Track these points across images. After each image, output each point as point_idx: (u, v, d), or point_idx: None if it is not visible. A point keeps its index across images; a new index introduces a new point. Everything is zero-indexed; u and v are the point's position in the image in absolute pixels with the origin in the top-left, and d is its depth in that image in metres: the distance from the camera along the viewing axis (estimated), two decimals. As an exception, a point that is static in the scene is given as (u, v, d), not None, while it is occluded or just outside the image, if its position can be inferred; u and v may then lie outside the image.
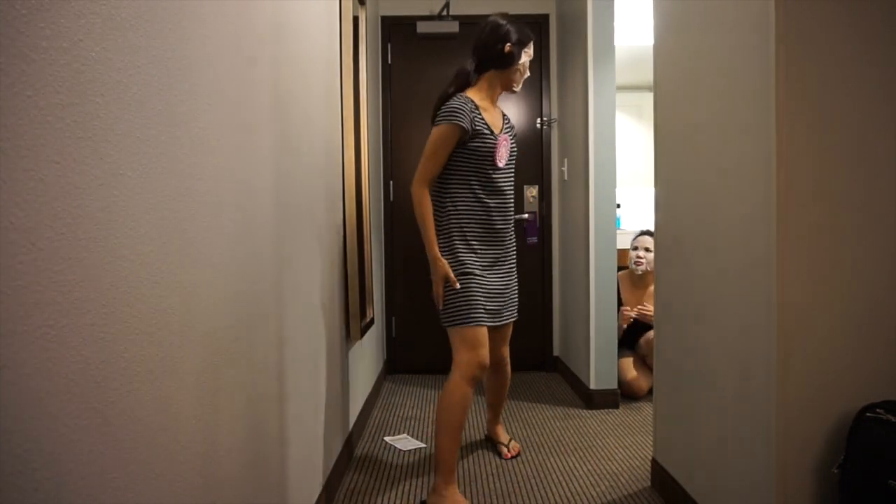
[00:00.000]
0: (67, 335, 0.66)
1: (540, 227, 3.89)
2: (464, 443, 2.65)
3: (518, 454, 2.51)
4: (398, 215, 3.89)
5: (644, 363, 3.38)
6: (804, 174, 1.40)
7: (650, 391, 3.30)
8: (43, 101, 0.63)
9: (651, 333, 3.33)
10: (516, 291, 2.32)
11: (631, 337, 3.41)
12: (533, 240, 3.88)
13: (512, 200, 2.28)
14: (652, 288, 3.51)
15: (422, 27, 3.77)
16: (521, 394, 3.41)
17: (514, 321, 2.36)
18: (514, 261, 2.32)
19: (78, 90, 0.68)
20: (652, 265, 3.48)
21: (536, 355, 3.96)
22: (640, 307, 3.39)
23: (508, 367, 2.50)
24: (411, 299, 3.89)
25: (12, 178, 0.58)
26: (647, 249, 3.47)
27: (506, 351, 2.45)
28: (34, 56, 0.62)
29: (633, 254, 3.48)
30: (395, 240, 3.91)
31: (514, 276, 2.31)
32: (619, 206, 4.93)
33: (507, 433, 2.68)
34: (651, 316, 3.35)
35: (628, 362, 3.29)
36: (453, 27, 3.66)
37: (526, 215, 3.86)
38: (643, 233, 3.56)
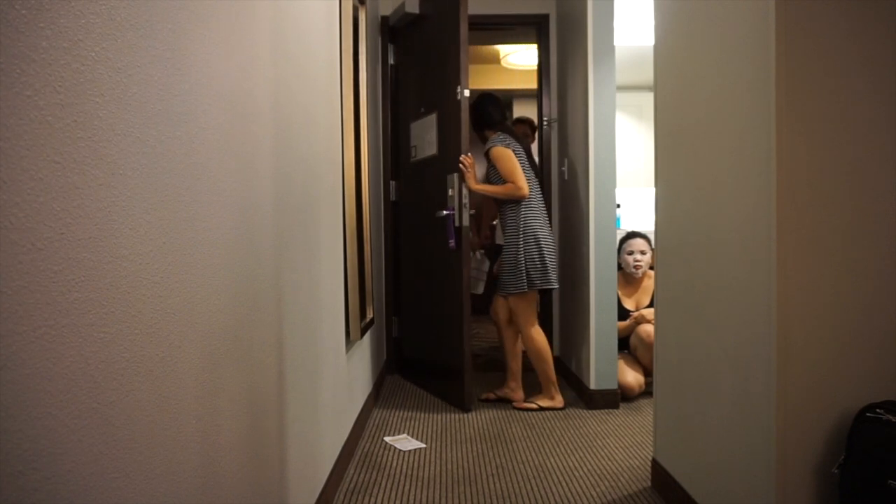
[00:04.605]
0: (67, 335, 0.66)
1: (459, 226, 3.10)
2: (463, 442, 2.65)
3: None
4: (403, 215, 3.85)
5: (637, 362, 3.37)
6: (804, 174, 1.39)
7: (642, 391, 3.30)
8: (43, 101, 0.63)
9: (643, 327, 3.33)
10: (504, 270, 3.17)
11: (621, 338, 3.42)
12: (452, 243, 3.12)
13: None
14: (645, 285, 3.51)
15: (392, 19, 3.69)
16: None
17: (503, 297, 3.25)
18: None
19: (78, 90, 0.68)
20: (648, 265, 3.48)
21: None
22: (639, 313, 3.40)
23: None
24: (414, 299, 3.89)
25: (12, 178, 0.58)
26: (642, 252, 3.47)
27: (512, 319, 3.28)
28: (34, 56, 0.62)
29: (629, 258, 3.47)
30: (399, 240, 3.88)
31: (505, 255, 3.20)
32: (619, 206, 4.94)
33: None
34: (648, 319, 3.36)
35: (620, 364, 3.29)
36: (413, 7, 3.50)
37: (445, 212, 3.15)
38: (630, 235, 3.56)
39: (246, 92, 1.27)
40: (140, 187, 0.82)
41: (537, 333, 3.15)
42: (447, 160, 3.21)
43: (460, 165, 3.06)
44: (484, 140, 3.29)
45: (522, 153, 3.14)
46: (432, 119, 3.40)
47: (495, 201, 3.29)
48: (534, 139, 4.20)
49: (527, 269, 3.06)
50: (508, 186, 3.05)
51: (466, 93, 3.05)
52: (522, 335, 3.19)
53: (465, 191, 3.07)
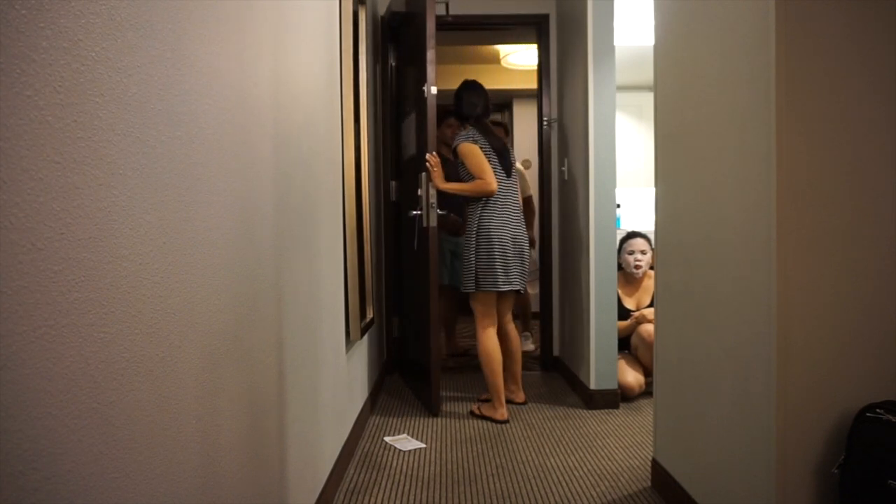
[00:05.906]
0: (67, 335, 0.66)
1: (426, 227, 3.08)
2: (463, 442, 2.65)
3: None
4: (403, 215, 3.82)
5: (637, 362, 3.37)
6: (804, 174, 1.40)
7: (642, 391, 3.30)
8: (43, 101, 0.63)
9: (644, 327, 3.33)
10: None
11: (622, 338, 3.41)
12: None
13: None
14: (645, 284, 3.51)
15: (387, 17, 3.74)
16: (521, 394, 3.41)
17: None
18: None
19: (78, 90, 0.68)
20: (649, 265, 3.48)
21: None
22: (640, 313, 3.39)
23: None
24: (412, 300, 3.88)
25: (12, 178, 0.58)
26: (642, 252, 3.47)
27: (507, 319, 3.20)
28: (34, 56, 0.62)
29: (629, 258, 3.47)
30: (400, 240, 3.87)
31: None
32: (619, 206, 4.94)
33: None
34: (649, 319, 3.36)
35: (620, 363, 3.29)
36: (399, 5, 3.52)
37: (414, 213, 3.14)
38: (631, 235, 3.56)
39: (246, 92, 1.27)
40: (140, 187, 0.82)
41: (487, 338, 3.00)
42: (421, 160, 3.14)
43: (426, 164, 2.97)
44: None
45: (490, 148, 2.99)
46: (413, 118, 3.34)
47: (464, 199, 3.16)
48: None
49: (476, 270, 2.94)
50: (477, 183, 2.92)
51: (433, 90, 2.98)
52: (476, 335, 3.07)
53: (431, 191, 2.99)
